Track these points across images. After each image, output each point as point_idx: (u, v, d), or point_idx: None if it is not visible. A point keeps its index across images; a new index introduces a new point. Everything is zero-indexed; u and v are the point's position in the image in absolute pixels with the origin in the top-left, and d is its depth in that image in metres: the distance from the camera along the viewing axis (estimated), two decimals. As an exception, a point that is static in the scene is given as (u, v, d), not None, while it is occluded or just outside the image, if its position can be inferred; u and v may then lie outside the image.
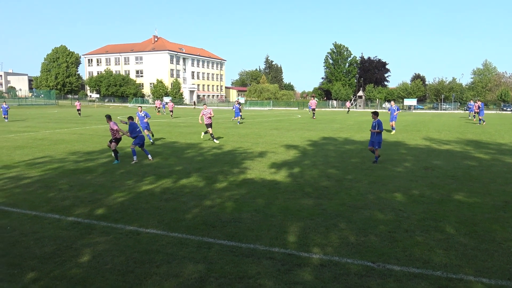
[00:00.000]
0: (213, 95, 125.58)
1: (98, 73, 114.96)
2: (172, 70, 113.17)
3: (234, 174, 11.13)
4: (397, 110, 25.04)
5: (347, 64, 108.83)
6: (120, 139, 13.40)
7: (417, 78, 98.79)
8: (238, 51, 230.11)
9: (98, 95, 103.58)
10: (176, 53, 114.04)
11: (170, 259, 5.41)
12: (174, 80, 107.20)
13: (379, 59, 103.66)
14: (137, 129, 13.60)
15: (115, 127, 13.17)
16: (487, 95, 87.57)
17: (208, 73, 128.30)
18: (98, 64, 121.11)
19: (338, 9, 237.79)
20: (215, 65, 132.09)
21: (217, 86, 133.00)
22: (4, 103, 39.54)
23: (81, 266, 5.22)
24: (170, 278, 4.87)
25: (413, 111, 75.10)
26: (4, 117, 35.16)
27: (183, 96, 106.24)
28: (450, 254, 5.59)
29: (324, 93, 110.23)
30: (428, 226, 6.78)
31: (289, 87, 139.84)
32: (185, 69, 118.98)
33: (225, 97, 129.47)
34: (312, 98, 31.63)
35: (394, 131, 23.97)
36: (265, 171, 11.59)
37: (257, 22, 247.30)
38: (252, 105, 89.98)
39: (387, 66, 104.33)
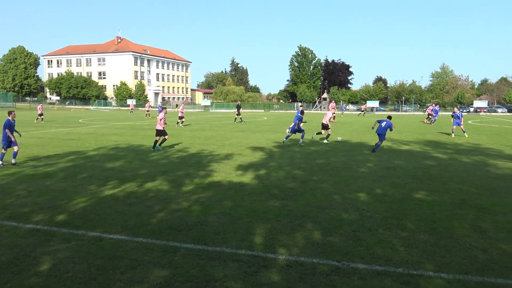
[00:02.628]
0: (178, 97, 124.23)
1: (58, 75, 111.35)
2: (136, 72, 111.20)
3: (200, 176, 11.05)
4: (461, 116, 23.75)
5: (311, 66, 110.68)
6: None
7: (379, 80, 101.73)
8: (204, 53, 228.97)
9: (58, 98, 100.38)
10: (140, 54, 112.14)
11: (135, 265, 5.30)
12: (138, 82, 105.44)
13: (343, 62, 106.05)
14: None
15: None
16: (444, 97, 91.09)
17: (173, 75, 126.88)
18: (58, 66, 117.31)
19: (303, 12, 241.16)
20: (180, 67, 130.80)
21: (183, 88, 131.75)
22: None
23: (40, 275, 5.02)
24: (134, 285, 4.77)
25: (375, 112, 77.11)
26: None
27: (147, 98, 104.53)
28: (411, 251, 5.77)
29: (290, 96, 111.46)
30: (390, 224, 6.97)
31: (255, 90, 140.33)
32: (149, 71, 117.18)
33: (191, 99, 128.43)
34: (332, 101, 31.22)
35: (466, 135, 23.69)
36: (231, 173, 11.57)
37: (223, 25, 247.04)
38: (218, 108, 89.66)
39: (350, 69, 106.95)
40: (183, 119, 32.26)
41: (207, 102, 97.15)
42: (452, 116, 23.85)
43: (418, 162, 13.74)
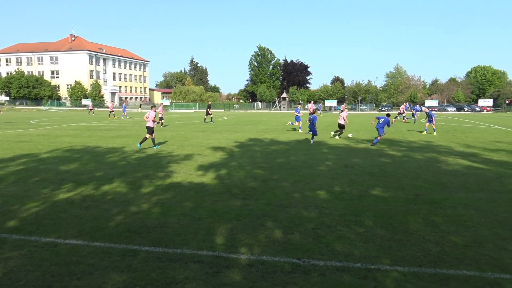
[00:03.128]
0: (136, 97, 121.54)
1: (7, 74, 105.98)
2: (91, 71, 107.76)
3: (160, 178, 10.87)
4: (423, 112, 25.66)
5: (271, 66, 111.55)
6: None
7: (337, 80, 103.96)
8: (162, 52, 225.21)
9: (7, 98, 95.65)
10: (95, 53, 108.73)
11: (92, 270, 5.14)
12: (94, 82, 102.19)
13: (301, 62, 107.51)
14: None
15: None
16: (398, 96, 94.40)
17: (130, 75, 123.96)
18: (7, 64, 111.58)
19: (262, 13, 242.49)
20: (138, 66, 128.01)
21: (141, 88, 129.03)
22: None
23: (-10, 285, 4.77)
24: (92, 290, 4.62)
25: (334, 112, 78.81)
26: None
27: (103, 98, 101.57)
28: (369, 246, 5.94)
29: (249, 95, 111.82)
30: (348, 221, 7.15)
31: (215, 89, 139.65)
32: (105, 70, 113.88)
33: (149, 99, 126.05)
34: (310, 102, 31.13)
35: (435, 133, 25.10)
36: (191, 173, 11.46)
37: (182, 23, 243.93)
38: (177, 108, 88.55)
39: (309, 69, 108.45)
40: (163, 120, 32.05)
41: (166, 102, 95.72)
42: (426, 114, 25.73)
43: (374, 159, 14.18)
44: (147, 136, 17.35)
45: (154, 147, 17.27)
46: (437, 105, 79.97)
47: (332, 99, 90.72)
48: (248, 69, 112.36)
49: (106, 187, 9.80)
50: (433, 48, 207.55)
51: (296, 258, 5.50)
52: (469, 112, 75.70)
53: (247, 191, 9.38)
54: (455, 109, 79.58)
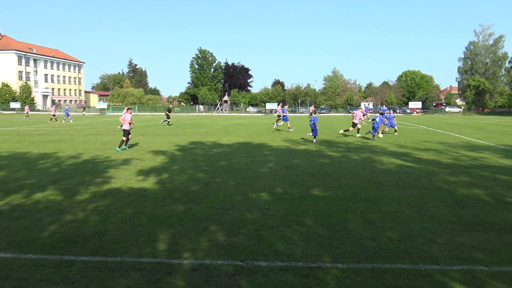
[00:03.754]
0: (71, 100, 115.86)
1: None
2: (20, 72, 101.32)
3: (97, 184, 10.43)
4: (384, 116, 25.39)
5: (212, 69, 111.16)
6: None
7: (277, 83, 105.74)
8: (98, 53, 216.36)
9: None
10: (25, 53, 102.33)
11: (23, 284, 4.82)
12: (24, 83, 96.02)
13: (242, 65, 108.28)
14: None
15: None
16: (336, 99, 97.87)
17: (64, 76, 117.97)
18: None
19: (202, 14, 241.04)
20: (72, 68, 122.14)
21: (75, 90, 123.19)
22: None
23: None
24: (23, 306, 4.33)
25: (275, 114, 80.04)
26: None
27: (34, 101, 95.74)
28: (310, 245, 6.09)
29: (191, 98, 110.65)
30: (290, 221, 7.29)
31: (155, 92, 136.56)
32: (36, 72, 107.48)
33: (85, 102, 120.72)
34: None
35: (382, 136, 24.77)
36: (131, 179, 11.12)
37: (119, 23, 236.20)
38: (115, 111, 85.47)
39: (250, 72, 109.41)
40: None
41: (103, 105, 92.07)
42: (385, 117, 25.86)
43: (314, 160, 14.58)
44: (124, 138, 17.64)
45: (117, 149, 17.43)
46: (372, 107, 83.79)
47: (273, 102, 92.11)
48: (189, 71, 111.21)
49: (38, 195, 9.23)
50: (368, 53, 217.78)
51: (239, 261, 5.52)
52: (401, 114, 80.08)
53: (189, 195, 9.26)
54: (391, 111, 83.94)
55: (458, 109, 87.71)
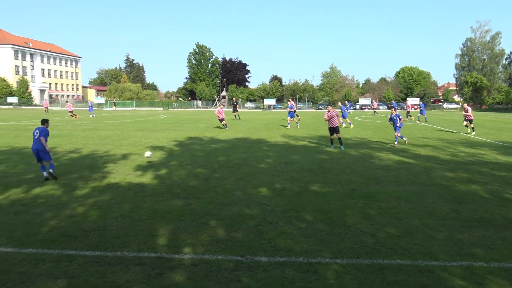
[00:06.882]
0: (68, 95, 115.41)
1: None
2: (17, 66, 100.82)
3: (96, 179, 10.42)
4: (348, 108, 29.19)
5: (209, 64, 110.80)
6: None
7: (275, 79, 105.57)
8: (95, 48, 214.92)
9: None
10: (21, 47, 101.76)
11: (24, 279, 4.82)
12: (21, 78, 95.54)
13: (240, 61, 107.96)
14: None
15: None
16: (334, 95, 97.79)
17: (61, 71, 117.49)
18: None
19: (200, 9, 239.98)
20: (69, 62, 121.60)
21: (73, 85, 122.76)
22: None
23: None
24: (24, 300, 4.33)
25: (273, 110, 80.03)
26: None
27: (31, 96, 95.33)
28: (310, 241, 6.11)
29: (189, 93, 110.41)
30: (290, 216, 7.30)
31: (153, 87, 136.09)
32: (33, 66, 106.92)
33: (82, 97, 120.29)
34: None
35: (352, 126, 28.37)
36: (130, 174, 11.11)
37: (116, 18, 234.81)
38: (113, 106, 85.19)
39: (247, 68, 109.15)
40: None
41: (101, 100, 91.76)
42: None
43: (313, 156, 14.60)
44: None
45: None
46: (369, 103, 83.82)
47: (271, 97, 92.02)
48: (187, 66, 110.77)
49: (38, 190, 9.22)
50: (366, 49, 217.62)
51: (239, 256, 5.53)
52: (399, 110, 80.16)
53: (188, 190, 9.27)
54: (386, 107, 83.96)
55: (456, 106, 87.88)
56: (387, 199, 8.58)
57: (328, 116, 16.77)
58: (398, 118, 17.87)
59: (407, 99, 79.68)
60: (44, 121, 10.79)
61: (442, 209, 7.87)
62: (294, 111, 29.46)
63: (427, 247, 5.89)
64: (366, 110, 76.29)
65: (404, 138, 18.46)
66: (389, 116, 18.36)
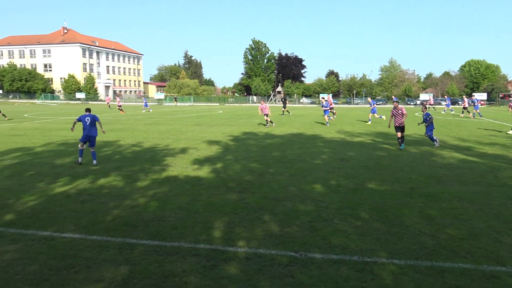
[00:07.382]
0: (130, 91, 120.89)
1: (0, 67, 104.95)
2: (84, 64, 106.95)
3: (156, 171, 10.85)
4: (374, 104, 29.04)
5: (265, 60, 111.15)
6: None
7: (332, 74, 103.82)
8: (156, 45, 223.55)
9: (0, 91, 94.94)
10: (88, 46, 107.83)
11: (90, 264, 5.14)
12: (88, 75, 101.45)
13: (296, 56, 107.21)
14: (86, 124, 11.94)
15: None
16: (393, 90, 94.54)
17: (124, 68, 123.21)
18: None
19: (256, 5, 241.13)
20: (131, 60, 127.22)
21: (135, 81, 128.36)
22: None
23: (-13, 279, 4.75)
24: (90, 284, 4.62)
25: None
26: None
27: (97, 92, 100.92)
28: (365, 239, 5.98)
29: (244, 89, 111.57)
30: (345, 214, 7.18)
31: (210, 83, 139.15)
32: (99, 63, 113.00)
33: (144, 93, 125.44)
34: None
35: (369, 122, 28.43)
36: (187, 167, 11.45)
37: (175, 16, 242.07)
38: (171, 101, 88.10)
39: (303, 63, 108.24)
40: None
41: (161, 96, 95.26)
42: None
43: (370, 153, 14.22)
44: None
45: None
46: (431, 98, 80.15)
47: (327, 93, 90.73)
48: (243, 62, 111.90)
49: (102, 180, 9.77)
50: (427, 42, 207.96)
51: (293, 251, 5.53)
52: (452, 106, 75.89)
53: (243, 184, 9.39)
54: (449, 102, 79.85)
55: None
56: (449, 199, 8.18)
57: (393, 113, 15.50)
58: (428, 118, 15.99)
59: (473, 94, 75.11)
60: (89, 109, 12.37)
61: (511, 211, 7.37)
62: (330, 109, 28.41)
63: (493, 251, 5.55)
64: (427, 106, 72.86)
65: (436, 143, 15.98)
66: (422, 116, 16.38)
